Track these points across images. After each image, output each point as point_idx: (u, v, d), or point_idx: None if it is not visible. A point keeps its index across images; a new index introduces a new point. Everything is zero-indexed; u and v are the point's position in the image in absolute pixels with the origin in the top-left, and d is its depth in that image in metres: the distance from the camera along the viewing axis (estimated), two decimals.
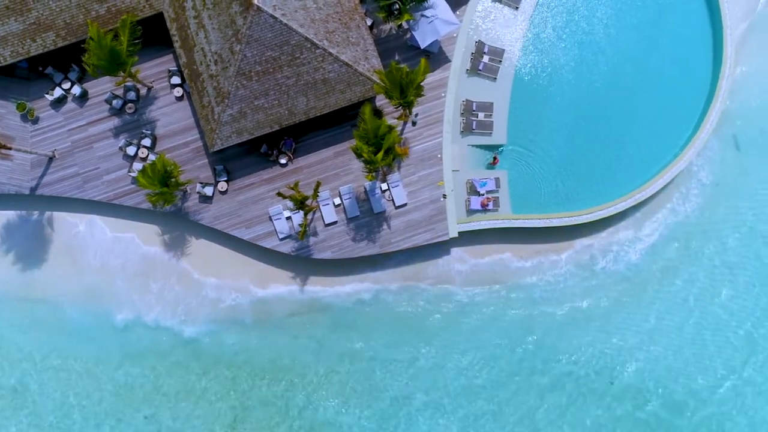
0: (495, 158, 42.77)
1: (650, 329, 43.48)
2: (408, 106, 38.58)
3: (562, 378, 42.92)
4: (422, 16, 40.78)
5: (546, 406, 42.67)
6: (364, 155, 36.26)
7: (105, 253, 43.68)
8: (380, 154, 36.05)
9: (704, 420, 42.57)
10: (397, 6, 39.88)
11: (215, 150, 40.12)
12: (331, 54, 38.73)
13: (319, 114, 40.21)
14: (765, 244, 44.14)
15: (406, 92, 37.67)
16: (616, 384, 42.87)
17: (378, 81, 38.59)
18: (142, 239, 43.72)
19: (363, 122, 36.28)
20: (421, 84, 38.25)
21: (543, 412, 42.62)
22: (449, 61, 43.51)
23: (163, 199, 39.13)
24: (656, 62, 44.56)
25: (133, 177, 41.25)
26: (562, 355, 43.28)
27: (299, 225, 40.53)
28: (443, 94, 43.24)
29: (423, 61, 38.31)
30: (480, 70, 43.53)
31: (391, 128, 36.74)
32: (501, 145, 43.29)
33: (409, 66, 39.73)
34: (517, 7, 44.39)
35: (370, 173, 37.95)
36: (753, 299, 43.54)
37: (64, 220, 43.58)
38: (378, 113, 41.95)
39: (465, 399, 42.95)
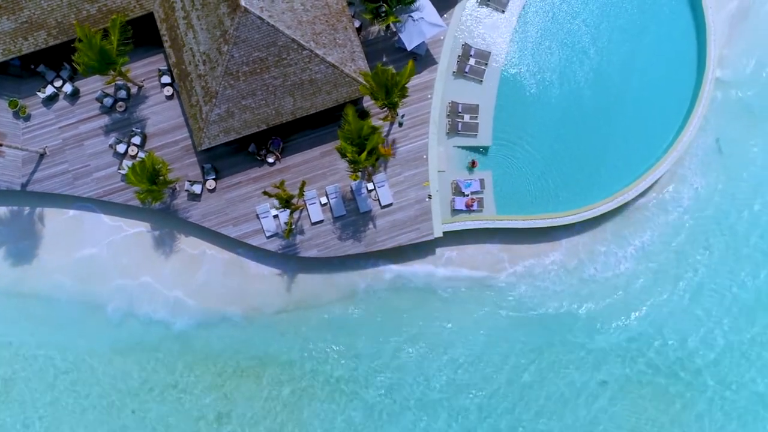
0: (473, 162, 43.24)
1: (632, 331, 44.01)
2: (393, 107, 39.14)
3: (544, 374, 43.42)
4: (409, 18, 41.32)
5: (525, 402, 43.25)
6: (348, 155, 36.85)
7: (95, 249, 44.24)
8: (364, 155, 36.61)
9: None
10: (384, 8, 40.38)
11: (203, 149, 40.73)
12: (317, 55, 39.32)
13: (305, 114, 40.81)
14: (747, 245, 44.74)
15: (391, 94, 38.22)
16: (610, 383, 43.40)
17: (363, 82, 39.12)
18: (132, 236, 44.27)
19: (347, 123, 36.85)
20: (406, 86, 38.77)
21: (522, 407, 43.26)
22: (436, 63, 44.09)
23: (152, 197, 39.72)
24: (641, 65, 45.16)
25: (123, 174, 41.79)
26: (546, 353, 43.76)
27: (285, 223, 41.08)
28: (429, 96, 43.82)
29: (410, 63, 38.89)
30: (466, 72, 44.09)
31: (374, 129, 37.31)
32: (481, 148, 43.80)
33: (396, 68, 40.41)
34: (503, 11, 44.97)
35: (355, 173, 38.54)
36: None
37: (55, 216, 44.17)
38: (365, 114, 42.64)
39: (451, 392, 43.49)
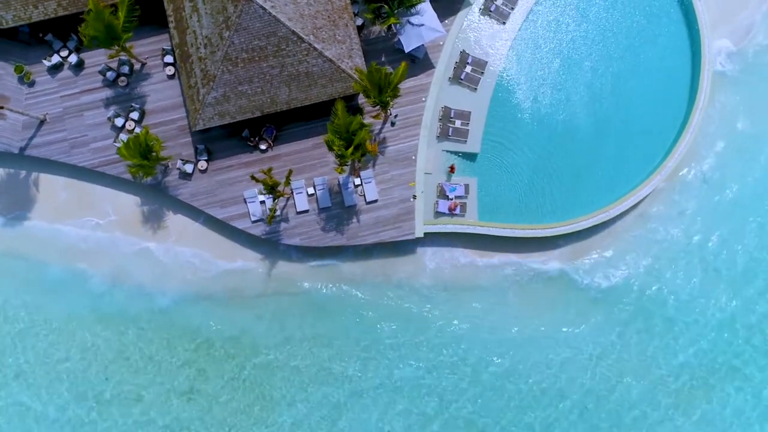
0: (452, 167, 44.07)
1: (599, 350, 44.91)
2: (384, 106, 40.08)
3: (504, 378, 44.47)
4: (408, 21, 42.24)
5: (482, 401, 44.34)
6: (335, 149, 37.83)
7: (85, 218, 45.23)
8: (350, 149, 37.55)
9: None
10: (385, 9, 41.32)
11: (197, 129, 41.79)
12: (315, 49, 40.31)
13: (300, 105, 41.79)
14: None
15: (383, 93, 39.17)
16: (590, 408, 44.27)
17: (358, 79, 40.07)
18: (122, 209, 45.28)
19: (336, 117, 37.83)
20: (399, 86, 39.71)
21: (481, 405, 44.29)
22: (433, 67, 45.04)
23: (143, 172, 40.82)
24: (634, 88, 46.02)
25: (118, 147, 42.84)
26: (501, 357, 44.76)
27: (269, 209, 42.07)
28: (424, 99, 44.75)
29: (403, 64, 39.84)
30: (462, 79, 44.98)
31: (362, 125, 38.26)
32: (461, 154, 44.70)
33: (393, 68, 41.40)
34: (504, 23, 45.84)
35: (341, 167, 39.48)
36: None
37: (49, 183, 45.22)
38: (358, 111, 43.57)
39: (412, 389, 44.46)
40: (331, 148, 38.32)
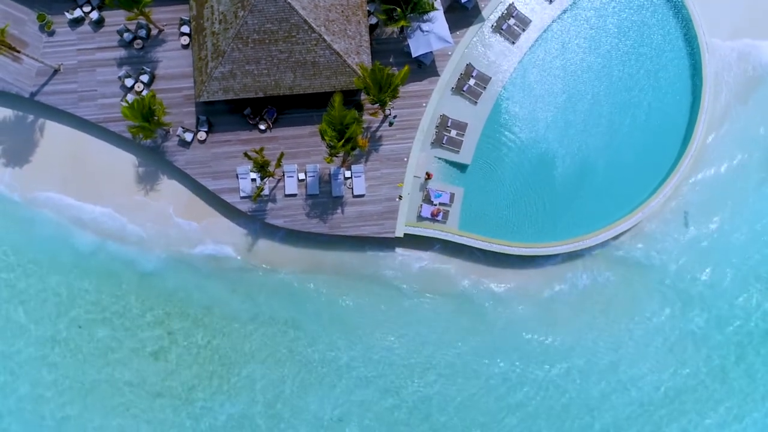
0: (429, 174, 45.10)
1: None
2: (382, 104, 41.27)
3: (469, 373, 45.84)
4: (419, 27, 43.40)
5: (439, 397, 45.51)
6: (327, 139, 39.05)
7: (82, 172, 46.58)
8: (341, 141, 38.77)
9: None
10: (397, 12, 42.49)
11: (201, 100, 43.14)
12: (325, 40, 41.57)
13: (302, 92, 43.06)
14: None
15: (382, 92, 40.36)
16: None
17: (360, 75, 41.25)
18: (118, 165, 46.62)
19: (332, 108, 39.07)
20: (398, 88, 40.88)
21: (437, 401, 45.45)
22: (438, 75, 46.20)
23: (142, 133, 42.23)
24: (629, 127, 47.05)
25: (123, 106, 44.22)
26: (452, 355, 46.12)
27: (257, 187, 43.33)
28: (424, 104, 45.90)
29: (406, 68, 41.05)
30: (464, 91, 46.09)
31: (356, 120, 39.45)
32: (452, 163, 45.83)
33: (399, 70, 42.45)
34: (514, 42, 46.90)
35: (330, 157, 40.69)
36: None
37: (53, 131, 46.68)
38: (359, 106, 44.79)
39: (387, 368, 45.75)
40: (323, 138, 39.51)
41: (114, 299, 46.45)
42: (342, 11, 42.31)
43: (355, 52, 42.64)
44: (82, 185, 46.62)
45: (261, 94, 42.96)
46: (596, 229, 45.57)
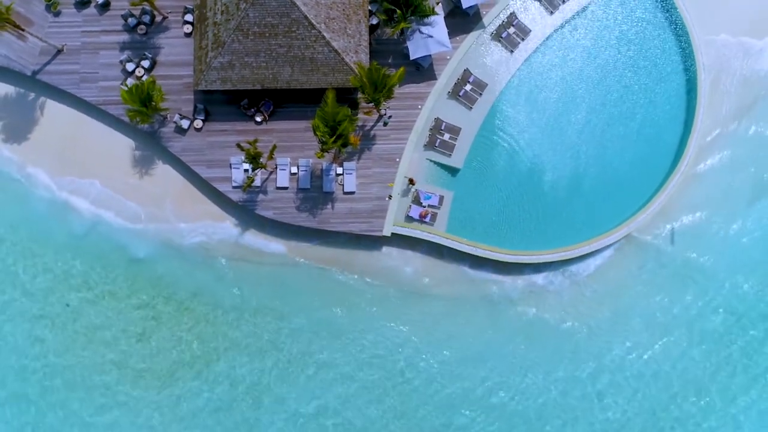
0: (411, 180, 45.56)
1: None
2: (376, 104, 41.79)
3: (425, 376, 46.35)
4: (419, 30, 43.88)
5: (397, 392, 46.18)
6: (318, 134, 39.59)
7: (79, 153, 47.19)
8: (333, 138, 39.30)
9: None
10: (397, 14, 42.96)
11: (199, 89, 43.74)
12: (324, 37, 42.10)
13: (299, 87, 43.60)
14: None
15: (377, 92, 40.86)
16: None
17: (357, 74, 41.76)
18: (117, 149, 47.26)
19: (325, 104, 39.60)
20: (393, 89, 41.38)
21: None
22: (435, 78, 46.66)
23: (139, 117, 42.87)
24: (622, 141, 47.33)
25: (121, 90, 44.83)
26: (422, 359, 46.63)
27: (247, 177, 43.91)
28: (420, 107, 46.38)
29: (401, 69, 41.56)
30: (460, 95, 46.55)
31: (349, 118, 39.97)
32: (444, 166, 46.27)
33: (396, 70, 42.92)
34: (512, 51, 47.30)
35: (322, 152, 41.23)
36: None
37: (52, 111, 47.32)
38: (355, 104, 45.30)
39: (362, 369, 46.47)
40: (315, 133, 40.05)
41: (103, 280, 47.14)
42: (343, 10, 42.83)
43: (353, 50, 43.15)
44: (77, 165, 47.30)
45: (258, 87, 43.52)
46: (583, 240, 45.92)
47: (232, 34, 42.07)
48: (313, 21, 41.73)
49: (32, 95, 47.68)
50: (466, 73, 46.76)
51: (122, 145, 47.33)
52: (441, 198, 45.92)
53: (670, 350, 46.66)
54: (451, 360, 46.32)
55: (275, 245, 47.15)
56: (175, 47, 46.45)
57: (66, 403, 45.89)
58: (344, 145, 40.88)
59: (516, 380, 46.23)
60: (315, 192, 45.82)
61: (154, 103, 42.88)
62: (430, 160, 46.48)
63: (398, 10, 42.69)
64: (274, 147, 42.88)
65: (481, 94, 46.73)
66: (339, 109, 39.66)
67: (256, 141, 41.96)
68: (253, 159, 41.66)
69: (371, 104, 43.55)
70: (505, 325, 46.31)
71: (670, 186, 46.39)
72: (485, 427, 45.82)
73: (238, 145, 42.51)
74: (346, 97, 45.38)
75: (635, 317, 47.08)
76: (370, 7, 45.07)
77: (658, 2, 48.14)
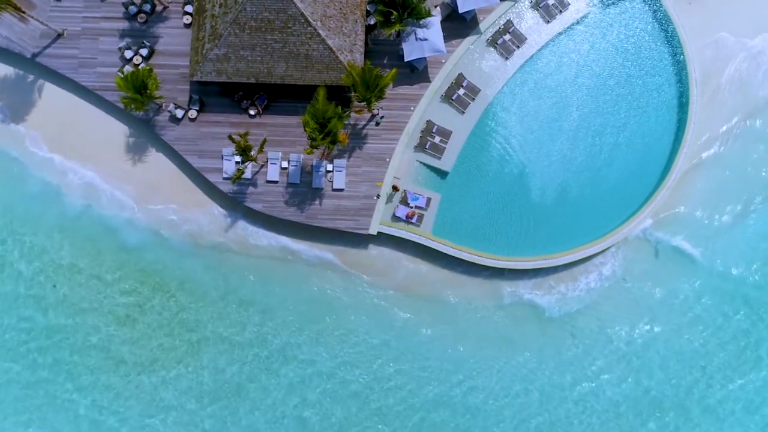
0: (395, 186, 45.87)
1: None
2: (367, 103, 42.21)
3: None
4: (414, 32, 44.30)
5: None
6: (308, 130, 40.03)
7: (77, 135, 47.77)
8: (321, 135, 39.74)
9: None
10: (394, 16, 43.37)
11: (194, 80, 44.22)
12: (319, 35, 42.54)
13: (293, 83, 44.05)
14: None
15: (369, 91, 41.29)
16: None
17: (350, 72, 42.17)
18: (112, 134, 47.76)
19: (316, 101, 40.05)
20: (385, 89, 41.81)
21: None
22: (429, 81, 47.04)
23: (134, 104, 43.36)
24: (613, 151, 47.61)
25: (117, 77, 45.35)
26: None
27: (237, 170, 44.38)
28: (412, 108, 46.79)
29: (393, 70, 42.00)
30: (453, 99, 46.94)
31: (338, 116, 40.39)
32: (433, 168, 46.66)
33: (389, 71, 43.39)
34: (507, 58, 47.66)
35: (311, 148, 41.66)
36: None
37: (51, 93, 47.87)
38: (347, 103, 45.70)
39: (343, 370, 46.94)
40: (305, 128, 40.49)
41: (91, 263, 47.58)
42: (340, 9, 43.26)
43: (348, 49, 43.58)
44: (72, 149, 47.88)
45: (252, 80, 43.98)
46: (568, 248, 46.25)
47: (229, 27, 42.55)
48: (309, 18, 42.18)
49: (31, 77, 48.24)
50: (460, 77, 47.14)
51: (117, 131, 47.85)
52: (428, 200, 46.31)
53: (651, 363, 47.03)
54: (431, 360, 46.68)
55: (263, 238, 47.60)
56: (173, 37, 46.95)
57: (49, 383, 46.35)
58: (333, 142, 41.31)
59: (491, 383, 46.56)
60: (304, 187, 46.25)
61: (148, 92, 43.36)
62: (420, 162, 46.89)
63: (394, 12, 43.08)
64: (264, 141, 43.33)
65: (473, 99, 47.10)
66: (329, 107, 40.10)
67: (246, 134, 42.42)
68: (243, 151, 42.12)
69: (363, 103, 43.93)
70: (485, 328, 46.64)
71: (657, 199, 46.72)
72: (460, 425, 46.23)
73: (230, 137, 42.95)
74: (342, 94, 45.81)
75: (617, 326, 47.41)
76: (368, 8, 45.51)
77: (653, 16, 48.49)
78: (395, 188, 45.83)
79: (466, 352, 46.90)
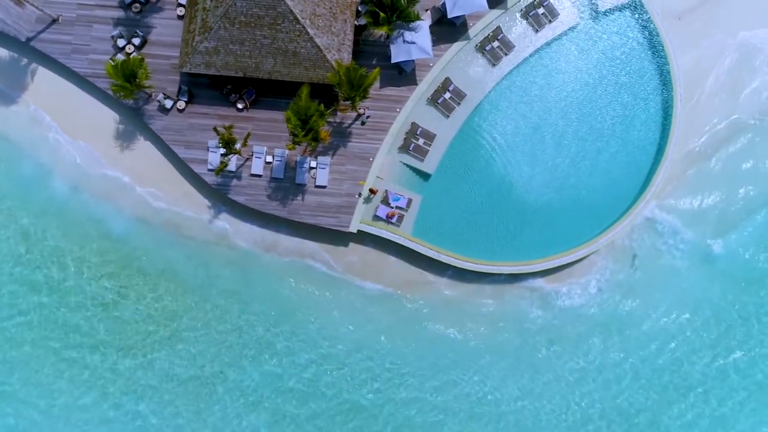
0: (372, 189, 46.34)
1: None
2: (352, 102, 42.77)
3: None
4: (402, 35, 44.82)
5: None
6: (290, 126, 40.61)
7: (67, 120, 48.39)
8: (303, 131, 40.32)
9: None
10: (382, 17, 43.88)
11: (183, 71, 44.82)
12: (308, 33, 43.10)
13: (281, 79, 44.60)
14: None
15: (353, 90, 41.85)
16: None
17: (335, 71, 42.74)
18: (102, 120, 48.38)
19: (299, 99, 40.62)
20: (368, 89, 42.35)
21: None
22: (416, 84, 47.54)
23: (123, 92, 44.01)
24: (594, 162, 48.11)
25: (107, 65, 46.00)
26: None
27: (221, 162, 44.98)
28: (398, 110, 47.32)
29: (377, 70, 42.61)
30: (438, 103, 47.44)
31: (319, 113, 40.95)
32: (415, 170, 47.14)
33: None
34: (495, 64, 48.12)
35: (292, 144, 42.24)
36: None
37: (44, 78, 48.50)
38: (334, 100, 46.27)
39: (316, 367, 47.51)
40: (287, 125, 41.06)
41: (74, 248, 48.17)
42: (330, 8, 43.82)
43: (336, 48, 44.13)
44: (61, 134, 48.39)
45: (240, 74, 44.57)
46: (546, 255, 46.70)
47: (219, 21, 43.14)
48: (298, 16, 42.74)
49: (24, 61, 48.89)
50: (447, 81, 47.63)
51: (107, 118, 48.44)
52: (409, 201, 46.82)
53: (636, 370, 47.81)
54: (408, 358, 47.27)
55: (245, 231, 48.17)
56: (166, 28, 47.56)
57: (27, 364, 47.03)
58: (315, 139, 41.85)
59: (469, 385, 47.12)
60: (287, 183, 46.82)
61: (138, 80, 43.98)
62: (403, 163, 47.41)
63: (382, 13, 43.61)
64: (248, 135, 43.94)
65: (459, 103, 47.60)
66: (311, 104, 40.66)
67: (231, 126, 43.01)
68: (227, 144, 42.69)
69: (348, 102, 44.48)
70: (464, 331, 47.19)
71: (636, 211, 47.09)
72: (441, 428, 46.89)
73: (215, 129, 43.54)
74: (330, 92, 46.35)
75: (594, 337, 47.95)
76: (359, 8, 46.04)
77: (641, 29, 48.88)
78: (372, 191, 46.28)
79: (442, 352, 47.36)
